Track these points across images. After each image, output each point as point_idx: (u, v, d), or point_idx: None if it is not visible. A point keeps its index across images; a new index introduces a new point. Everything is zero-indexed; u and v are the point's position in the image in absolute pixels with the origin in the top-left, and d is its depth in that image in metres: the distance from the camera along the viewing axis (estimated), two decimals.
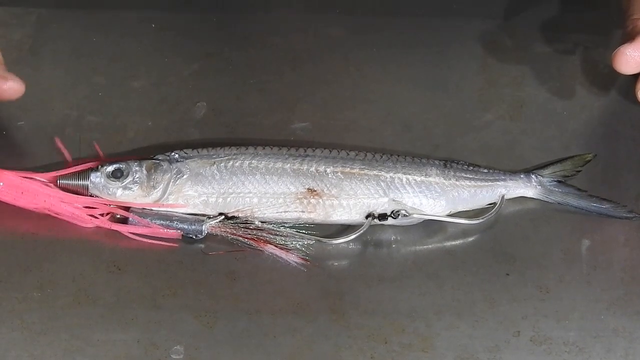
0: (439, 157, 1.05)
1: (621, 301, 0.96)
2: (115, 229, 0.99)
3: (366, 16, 1.24)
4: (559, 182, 1.05)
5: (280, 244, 0.99)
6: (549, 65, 1.18)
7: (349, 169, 1.02)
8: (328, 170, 1.01)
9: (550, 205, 1.04)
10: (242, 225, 1.00)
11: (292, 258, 0.98)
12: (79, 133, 1.08)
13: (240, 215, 1.00)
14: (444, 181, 1.02)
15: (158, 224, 0.99)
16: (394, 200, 1.01)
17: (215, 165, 1.02)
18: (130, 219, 1.00)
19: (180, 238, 1.00)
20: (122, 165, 1.01)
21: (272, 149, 1.03)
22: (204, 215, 1.00)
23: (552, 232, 1.02)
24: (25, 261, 0.98)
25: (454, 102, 1.14)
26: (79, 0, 1.24)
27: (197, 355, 0.92)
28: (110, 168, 1.01)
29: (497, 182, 1.03)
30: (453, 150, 1.08)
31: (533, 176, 1.04)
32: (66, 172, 1.01)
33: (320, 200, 1.01)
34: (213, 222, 1.00)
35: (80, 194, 1.01)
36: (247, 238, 0.99)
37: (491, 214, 1.02)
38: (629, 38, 1.04)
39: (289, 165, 1.02)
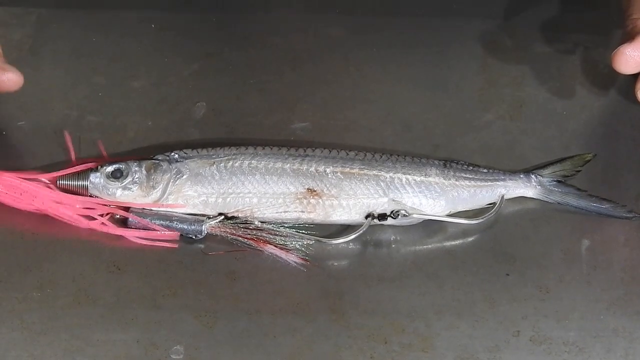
0: (438, 157, 1.05)
1: (621, 301, 0.96)
2: (112, 232, 0.99)
3: (366, 16, 1.24)
4: (559, 182, 1.05)
5: (280, 244, 0.99)
6: (549, 65, 1.18)
7: (348, 169, 1.02)
8: (328, 170, 1.01)
9: (550, 205, 1.04)
10: (241, 226, 1.00)
11: (292, 258, 0.98)
12: (79, 133, 1.08)
13: (240, 215, 1.00)
14: (444, 181, 1.02)
15: (158, 224, 0.99)
16: (393, 200, 1.01)
17: (215, 166, 1.02)
18: (130, 219, 1.00)
19: (179, 239, 0.99)
20: (121, 166, 1.01)
21: (272, 149, 1.03)
22: (203, 215, 1.01)
23: (552, 232, 1.02)
24: (25, 261, 0.98)
25: (454, 102, 1.14)
26: (79, 0, 1.24)
27: (197, 355, 0.92)
28: (109, 168, 1.01)
29: (497, 182, 1.03)
30: (453, 150, 1.08)
31: (533, 176, 1.04)
32: (66, 173, 1.01)
33: (320, 200, 1.01)
34: (213, 222, 1.00)
35: (80, 195, 1.01)
36: (246, 238, 0.99)
37: (491, 214, 1.02)
38: (628, 38, 1.04)
39: (288, 165, 1.02)
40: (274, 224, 1.00)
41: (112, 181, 1.01)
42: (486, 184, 1.03)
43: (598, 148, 1.08)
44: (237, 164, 1.02)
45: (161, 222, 1.00)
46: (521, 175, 1.04)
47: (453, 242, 1.01)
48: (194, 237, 1.00)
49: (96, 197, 1.01)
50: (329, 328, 0.94)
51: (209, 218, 1.00)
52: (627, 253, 1.01)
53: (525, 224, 1.03)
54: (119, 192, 1.01)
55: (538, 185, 1.04)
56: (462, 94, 1.15)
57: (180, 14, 1.23)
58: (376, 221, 1.00)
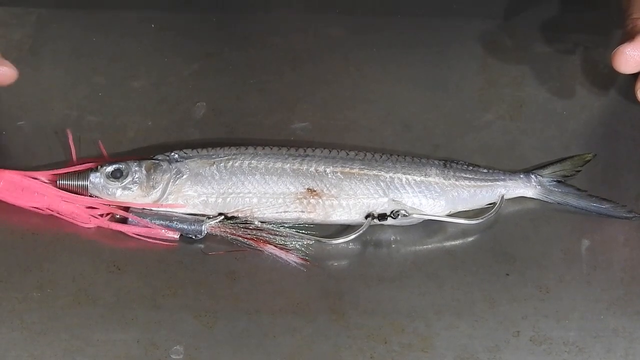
0: (438, 157, 1.05)
1: (621, 301, 0.96)
2: (114, 228, 0.99)
3: (366, 16, 1.24)
4: (559, 182, 1.05)
5: (280, 244, 0.99)
6: (549, 65, 1.18)
7: (348, 169, 1.02)
8: (328, 170, 1.01)
9: (550, 205, 1.04)
10: (241, 226, 1.00)
11: (292, 258, 0.98)
12: (79, 133, 1.08)
13: (240, 215, 1.00)
14: (444, 181, 1.02)
15: (158, 224, 0.99)
16: (393, 200, 1.01)
17: (214, 166, 1.02)
18: (130, 219, 1.00)
19: (178, 239, 0.99)
20: (121, 166, 1.01)
21: (271, 149, 1.03)
22: (203, 215, 1.01)
23: (552, 232, 1.02)
24: (25, 261, 0.98)
25: (454, 102, 1.14)
26: (79, 0, 1.24)
27: (197, 355, 0.92)
28: (109, 168, 1.01)
29: (497, 182, 1.03)
30: (453, 150, 1.08)
31: (533, 176, 1.04)
32: (66, 173, 1.01)
33: (320, 200, 1.01)
34: (213, 222, 1.00)
35: (80, 194, 1.01)
36: (246, 238, 0.99)
37: (491, 214, 1.02)
38: (628, 37, 1.04)
39: (288, 165, 1.02)
40: (274, 224, 1.00)
41: (112, 181, 1.01)
42: (486, 184, 1.03)
43: (598, 148, 1.08)
44: (237, 164, 1.02)
45: (161, 222, 1.00)
46: (521, 175, 1.04)
47: (453, 242, 1.01)
48: (194, 237, 1.00)
49: (96, 197, 1.01)
50: (329, 328, 0.94)
51: (209, 218, 1.00)
52: (627, 253, 1.01)
53: (525, 224, 1.03)
54: (118, 192, 1.01)
55: (538, 185, 1.04)
56: (462, 94, 1.15)
57: (180, 14, 1.23)
58: (376, 221, 1.00)
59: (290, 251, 0.98)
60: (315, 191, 1.01)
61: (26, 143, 1.08)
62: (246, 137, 1.09)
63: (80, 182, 1.01)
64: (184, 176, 1.01)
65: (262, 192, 1.01)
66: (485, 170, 1.04)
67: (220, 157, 1.02)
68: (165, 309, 0.95)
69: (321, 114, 1.12)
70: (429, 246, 1.01)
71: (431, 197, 1.02)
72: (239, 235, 0.99)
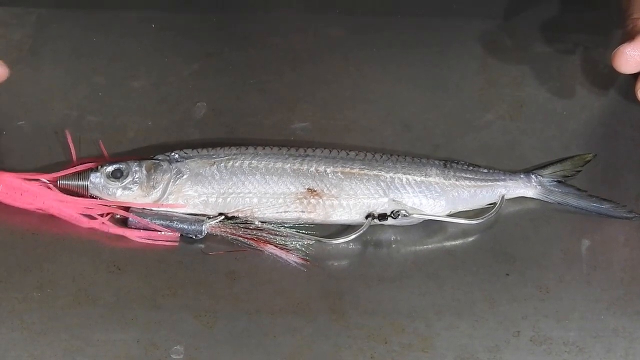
0: (439, 157, 1.05)
1: (621, 301, 0.96)
2: (113, 232, 0.99)
3: (366, 16, 1.24)
4: (559, 182, 1.05)
5: (280, 244, 0.99)
6: (549, 65, 1.18)
7: (349, 169, 1.02)
8: (328, 170, 1.01)
9: (550, 205, 1.04)
10: (242, 226, 1.00)
11: (292, 258, 0.98)
12: (79, 133, 1.08)
13: (240, 215, 1.00)
14: (444, 181, 1.02)
15: (158, 224, 0.99)
16: (394, 200, 1.01)
17: (215, 166, 1.02)
18: (130, 219, 1.00)
19: (179, 239, 0.99)
20: (121, 166, 1.01)
21: (272, 149, 1.03)
22: (203, 215, 1.01)
23: (552, 232, 1.02)
24: (25, 261, 0.98)
25: (454, 102, 1.14)
26: (79, 0, 1.24)
27: (197, 355, 0.92)
28: (109, 168, 1.01)
29: (497, 182, 1.03)
30: (453, 150, 1.08)
31: (533, 176, 1.04)
32: (66, 173, 1.01)
33: (320, 201, 1.01)
34: (213, 222, 1.00)
35: (80, 195, 1.01)
36: (247, 238, 0.99)
37: (491, 214, 1.02)
38: (628, 37, 1.04)
39: (289, 165, 1.02)
40: (274, 224, 1.00)
41: (112, 181, 1.01)
42: (486, 184, 1.03)
43: (598, 148, 1.08)
44: (237, 164, 1.02)
45: (161, 222, 1.00)
46: (521, 176, 1.04)
47: (453, 242, 1.01)
48: (194, 237, 1.00)
49: (96, 197, 1.01)
50: (329, 328, 0.94)
51: (209, 218, 1.00)
52: (627, 253, 1.01)
53: (525, 224, 1.03)
54: (119, 192, 1.01)
55: (538, 186, 1.04)
56: (462, 94, 1.15)
57: (180, 14, 1.23)
58: (376, 221, 1.00)
59: (291, 251, 0.98)
60: (315, 191, 1.01)
61: (26, 143, 1.08)
62: (246, 137, 1.09)
63: (80, 183, 1.01)
64: (185, 176, 1.01)
65: (262, 192, 1.01)
66: (485, 171, 1.04)
67: (221, 157, 1.02)
68: (165, 309, 0.95)
69: (321, 114, 1.12)
70: (429, 246, 1.01)
71: (431, 197, 1.02)
72: (239, 235, 0.99)
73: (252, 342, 0.93)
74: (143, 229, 0.99)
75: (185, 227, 1.00)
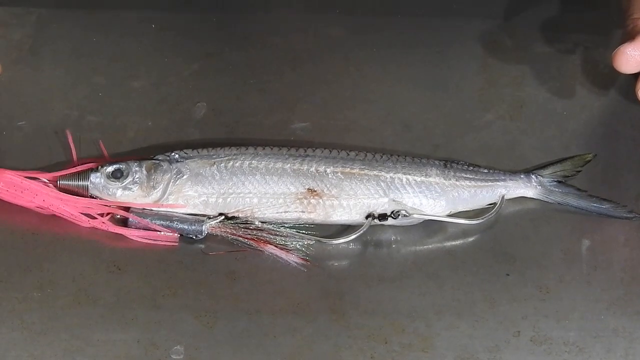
0: (439, 157, 1.05)
1: (621, 301, 0.96)
2: (113, 231, 0.99)
3: (366, 16, 1.24)
4: (559, 182, 1.05)
5: (281, 244, 0.99)
6: (549, 65, 1.18)
7: (349, 169, 1.02)
8: (328, 170, 1.01)
9: (550, 205, 1.04)
10: (242, 226, 1.00)
11: (292, 258, 0.98)
12: (79, 133, 1.08)
13: (240, 215, 1.00)
14: (444, 181, 1.02)
15: (158, 224, 0.99)
16: (394, 200, 1.01)
17: (215, 166, 1.02)
18: (130, 219, 1.00)
19: (179, 239, 0.99)
20: (121, 166, 1.01)
21: (272, 149, 1.03)
22: (204, 215, 1.00)
23: (552, 232, 1.02)
24: (25, 261, 0.98)
25: (454, 102, 1.14)
26: (79, 0, 1.24)
27: (197, 355, 0.92)
28: (110, 168, 1.01)
29: (497, 182, 1.03)
30: (453, 150, 1.08)
31: (533, 176, 1.04)
32: (66, 173, 1.01)
33: (321, 201, 1.01)
34: (213, 223, 1.00)
35: (80, 195, 1.01)
36: (247, 238, 0.99)
37: (491, 214, 1.02)
38: (629, 37, 1.04)
39: (289, 165, 1.02)
40: (274, 224, 1.00)
41: (113, 181, 1.01)
42: (486, 184, 1.03)
43: (598, 148, 1.08)
44: (237, 164, 1.02)
45: (161, 222, 1.00)
46: (521, 176, 1.04)
47: (453, 242, 1.01)
48: (194, 237, 1.00)
49: (97, 197, 1.01)
50: (329, 328, 0.94)
51: (210, 218, 1.00)
52: (627, 253, 1.01)
53: (525, 224, 1.03)
54: (119, 192, 1.01)
55: (538, 186, 1.04)
56: (462, 94, 1.15)
57: (180, 14, 1.23)
58: (376, 221, 1.00)
59: (291, 251, 0.98)
60: (315, 191, 1.01)
61: (26, 143, 1.08)
62: (246, 137, 1.09)
63: (80, 183, 1.01)
64: (185, 176, 1.01)
65: (262, 192, 1.01)
66: (485, 171, 1.04)
67: (221, 157, 1.02)
68: (165, 309, 0.95)
69: (321, 114, 1.12)
70: (429, 246, 1.01)
71: (431, 197, 1.02)
72: (239, 236, 0.99)
73: (252, 342, 0.93)
74: (143, 229, 0.99)
75: (186, 227, 1.00)
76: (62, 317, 0.94)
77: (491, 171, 1.04)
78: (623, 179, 1.07)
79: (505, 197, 1.03)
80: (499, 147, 1.10)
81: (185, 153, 1.03)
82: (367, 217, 1.00)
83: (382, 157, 1.03)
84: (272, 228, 1.00)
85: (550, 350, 0.93)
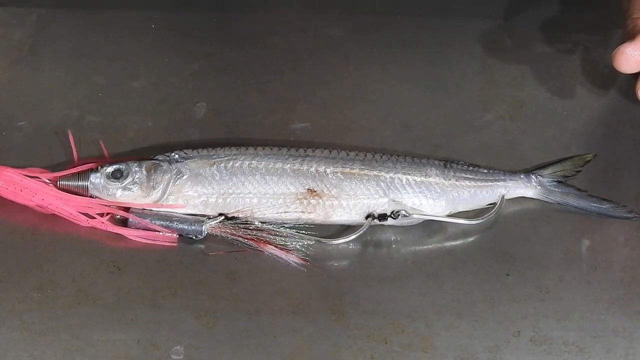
0: (439, 157, 1.05)
1: (621, 301, 0.97)
2: (112, 230, 0.99)
3: (366, 16, 1.24)
4: (559, 182, 1.05)
5: (280, 245, 0.99)
6: (549, 65, 1.18)
7: (348, 169, 1.02)
8: (328, 170, 1.01)
9: (550, 205, 1.04)
10: (242, 226, 1.00)
11: (292, 258, 0.98)
12: (79, 133, 1.08)
13: (240, 215, 1.00)
14: (444, 181, 1.02)
15: (158, 225, 0.99)
16: (394, 200, 1.01)
17: (215, 166, 1.02)
18: (130, 219, 1.00)
19: (179, 240, 0.99)
20: (121, 166, 1.01)
21: (272, 149, 1.03)
22: (203, 215, 1.00)
23: (552, 232, 1.02)
24: (25, 261, 0.98)
25: (454, 102, 1.14)
26: (79, 0, 1.24)
27: (197, 355, 0.92)
28: (109, 169, 1.01)
29: (497, 183, 1.03)
30: (453, 150, 1.08)
31: (533, 176, 1.04)
32: (66, 173, 1.01)
33: (320, 201, 1.01)
34: (213, 223, 1.00)
35: (80, 195, 1.01)
36: (247, 238, 0.99)
37: (491, 214, 1.02)
38: (629, 37, 1.04)
39: (289, 165, 1.02)
40: (274, 224, 1.00)
41: (112, 181, 1.01)
42: (486, 184, 1.03)
43: (598, 148, 1.08)
44: (237, 164, 1.02)
45: (161, 222, 1.00)
46: (521, 176, 1.04)
47: (453, 242, 1.01)
48: (194, 237, 1.00)
49: (96, 197, 1.01)
50: (329, 328, 0.94)
51: (209, 218, 1.00)
52: (627, 253, 1.01)
53: (525, 224, 1.03)
54: (119, 192, 1.01)
55: (538, 186, 1.04)
56: (462, 94, 1.15)
57: (180, 14, 1.23)
58: (376, 221, 1.00)
59: (291, 251, 0.98)
60: (315, 191, 1.01)
61: (26, 143, 1.08)
62: (246, 137, 1.09)
63: (80, 183, 1.01)
64: (184, 176, 1.01)
65: (262, 193, 1.01)
66: (485, 171, 1.04)
67: (221, 157, 1.02)
68: (165, 309, 0.95)
69: (321, 114, 1.12)
70: (429, 246, 1.01)
71: (431, 197, 1.02)
72: (239, 236, 0.99)
73: (252, 342, 0.93)
74: (143, 229, 0.99)
75: (185, 227, 1.00)
76: (62, 317, 0.94)
77: (491, 171, 1.04)
78: (623, 179, 1.07)
79: (505, 197, 1.03)
80: (499, 147, 1.10)
81: (185, 153, 1.03)
82: (367, 217, 1.00)
83: (382, 157, 1.03)
84: (272, 228, 1.00)
85: (550, 350, 0.93)
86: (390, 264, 0.99)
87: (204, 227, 0.99)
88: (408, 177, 1.02)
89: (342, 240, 1.00)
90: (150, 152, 1.04)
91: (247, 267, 0.98)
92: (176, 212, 1.00)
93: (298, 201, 1.00)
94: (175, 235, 1.00)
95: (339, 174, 1.01)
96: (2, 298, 0.95)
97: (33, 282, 0.96)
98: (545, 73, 1.17)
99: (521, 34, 1.21)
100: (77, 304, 0.95)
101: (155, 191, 1.01)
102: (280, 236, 0.99)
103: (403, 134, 1.11)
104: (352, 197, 1.01)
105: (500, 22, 1.24)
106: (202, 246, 0.99)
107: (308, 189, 1.01)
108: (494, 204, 1.03)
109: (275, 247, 0.99)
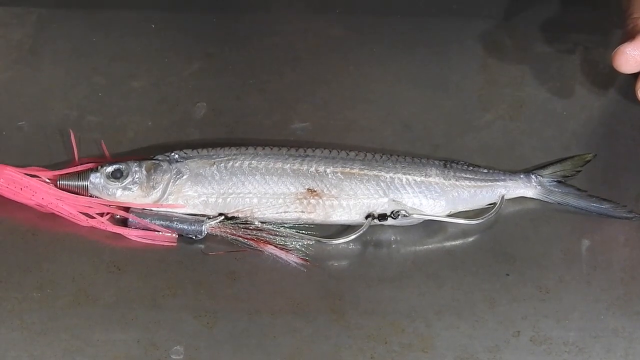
0: (439, 157, 1.05)
1: (621, 301, 0.97)
2: (112, 230, 0.99)
3: (366, 16, 1.24)
4: (559, 182, 1.05)
5: (280, 244, 0.99)
6: (549, 65, 1.18)
7: (348, 169, 1.02)
8: (328, 170, 1.01)
9: (550, 205, 1.04)
10: (242, 226, 1.00)
11: (292, 258, 0.98)
12: (79, 133, 1.08)
13: (240, 215, 1.00)
14: (444, 181, 1.02)
15: (158, 225, 0.99)
16: (393, 200, 1.01)
17: (215, 166, 1.02)
18: (130, 219, 1.00)
19: (179, 239, 0.99)
20: (121, 166, 1.01)
21: (272, 149, 1.03)
22: (203, 215, 1.00)
23: (552, 232, 1.02)
24: (25, 261, 0.98)
25: (454, 102, 1.14)
26: (79, 0, 1.24)
27: (197, 355, 0.92)
28: (109, 168, 1.01)
29: (497, 182, 1.03)
30: (453, 150, 1.08)
31: (533, 176, 1.04)
32: (66, 173, 1.01)
33: (320, 201, 1.01)
34: (213, 223, 1.00)
35: (80, 194, 1.01)
36: (247, 238, 0.99)
37: (491, 214, 1.02)
38: (629, 37, 1.04)
39: (288, 165, 1.01)
40: (274, 224, 1.00)
41: (112, 181, 1.01)
42: (486, 184, 1.03)
43: (598, 148, 1.08)
44: (237, 164, 1.02)
45: (161, 222, 1.00)
46: (521, 176, 1.04)
47: (453, 242, 1.01)
48: (194, 237, 1.00)
49: (96, 197, 1.01)
50: (329, 328, 0.94)
51: (209, 218, 1.00)
52: (627, 253, 1.01)
53: (525, 224, 1.03)
54: (119, 192, 1.01)
55: (538, 186, 1.04)
56: (462, 94, 1.15)
57: (180, 14, 1.23)
58: (376, 221, 1.00)
59: (291, 251, 0.98)
60: (315, 191, 1.01)
61: (26, 143, 1.08)
62: (246, 137, 1.09)
63: (80, 183, 1.01)
64: (184, 176, 1.01)
65: (262, 193, 1.01)
66: (485, 171, 1.04)
67: (221, 157, 1.02)
68: (165, 309, 0.95)
69: (321, 114, 1.12)
70: (429, 246, 1.01)
71: (431, 197, 1.02)
72: (239, 236, 0.99)
73: (252, 342, 0.93)
74: (143, 229, 0.99)
75: (185, 227, 1.00)
76: (62, 317, 0.94)
77: (491, 171, 1.04)
78: (623, 179, 1.07)
79: (505, 197, 1.03)
80: (499, 147, 1.10)
81: (185, 153, 1.03)
82: (366, 217, 1.00)
83: (382, 157, 1.03)
84: (272, 228, 1.00)
85: (550, 350, 0.93)
86: (390, 264, 0.99)
87: (203, 227, 0.99)
88: (408, 177, 1.02)
89: (342, 240, 1.00)
90: (150, 152, 1.04)
91: (247, 267, 0.98)
92: (176, 212, 1.00)
93: (298, 201, 1.00)
94: (175, 235, 1.00)
95: (339, 174, 1.01)
96: (2, 298, 0.95)
97: (33, 282, 0.96)
98: (545, 73, 1.17)
99: (521, 34, 1.21)
100: (77, 304, 0.95)
101: (155, 191, 1.01)
102: (280, 236, 0.99)
103: (403, 134, 1.11)
104: (352, 197, 1.01)
105: (500, 22, 1.24)
106: (202, 246, 0.99)
107: (308, 189, 1.01)
108: (494, 204, 1.03)
109: (275, 247, 0.99)
